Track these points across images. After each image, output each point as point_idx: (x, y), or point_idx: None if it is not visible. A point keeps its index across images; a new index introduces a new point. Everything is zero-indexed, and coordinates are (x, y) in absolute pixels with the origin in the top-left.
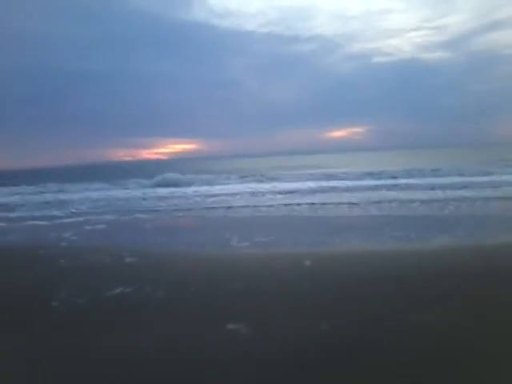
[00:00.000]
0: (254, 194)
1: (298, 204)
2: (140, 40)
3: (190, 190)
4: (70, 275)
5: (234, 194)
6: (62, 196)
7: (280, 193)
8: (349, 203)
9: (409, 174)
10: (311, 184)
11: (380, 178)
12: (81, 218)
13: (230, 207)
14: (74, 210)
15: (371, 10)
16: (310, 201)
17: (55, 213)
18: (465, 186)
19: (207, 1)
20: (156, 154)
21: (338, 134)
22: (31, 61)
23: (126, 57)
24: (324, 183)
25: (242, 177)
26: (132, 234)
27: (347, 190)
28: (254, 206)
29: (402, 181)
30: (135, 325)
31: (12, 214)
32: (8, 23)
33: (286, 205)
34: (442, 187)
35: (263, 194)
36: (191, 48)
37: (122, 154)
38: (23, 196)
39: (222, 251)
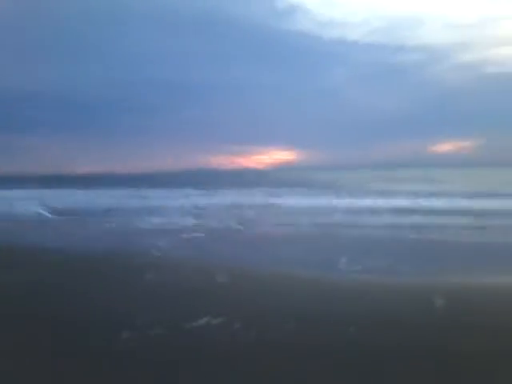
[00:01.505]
0: (357, 209)
1: (412, 224)
2: (242, 50)
3: (290, 202)
4: (151, 294)
5: (336, 209)
6: (162, 201)
7: (387, 210)
8: (472, 226)
9: None
10: (421, 201)
11: (501, 198)
12: (178, 226)
13: (333, 224)
14: (169, 217)
15: (482, 17)
16: (425, 220)
17: (153, 219)
18: None
19: (312, 11)
20: (254, 162)
21: (444, 147)
22: (140, 73)
23: (227, 67)
24: (435, 201)
25: (342, 189)
26: (228, 248)
27: (462, 209)
28: (361, 224)
29: None
30: (221, 369)
31: (112, 218)
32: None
33: (395, 224)
34: None
35: (369, 210)
36: (293, 57)
37: (222, 161)
38: (127, 199)
39: (329, 275)
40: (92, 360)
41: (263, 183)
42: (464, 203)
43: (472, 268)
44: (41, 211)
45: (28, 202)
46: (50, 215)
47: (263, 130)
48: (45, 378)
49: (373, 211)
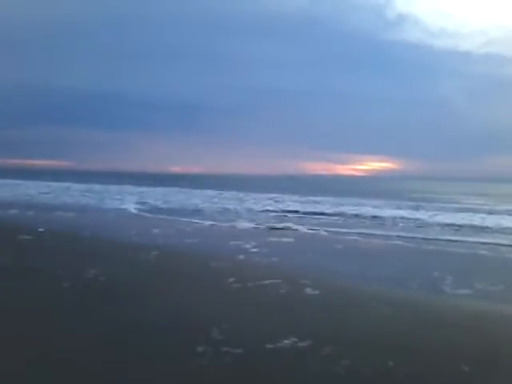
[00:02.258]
0: (458, 224)
1: None
2: (346, 58)
3: (385, 213)
4: (231, 303)
5: (434, 223)
6: (256, 204)
7: (491, 227)
8: None
9: None
10: None
11: None
12: (268, 229)
13: (431, 238)
14: (260, 220)
15: None
16: None
17: (243, 221)
18: None
19: (422, 20)
20: (351, 169)
21: None
22: (242, 78)
23: (330, 76)
24: None
25: (440, 202)
26: (319, 257)
27: None
28: (462, 241)
29: None
30: None
31: (202, 217)
32: (219, 46)
33: (502, 244)
34: None
35: (471, 226)
36: (398, 67)
37: (318, 167)
38: (222, 200)
39: (433, 298)
40: (157, 374)
41: (357, 191)
42: None
43: None
44: (131, 207)
45: (125, 199)
46: (139, 211)
47: (361, 137)
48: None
49: (474, 227)
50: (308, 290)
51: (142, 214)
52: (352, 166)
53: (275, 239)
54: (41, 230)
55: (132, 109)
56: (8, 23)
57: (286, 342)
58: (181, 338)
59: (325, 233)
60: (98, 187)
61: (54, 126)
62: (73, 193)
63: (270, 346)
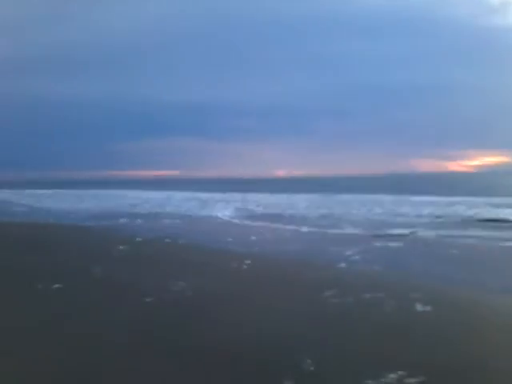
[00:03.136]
0: None
1: None
2: (450, 50)
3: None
4: (325, 319)
5: None
6: (362, 207)
7: None
8: None
9: None
10: None
11: None
12: (375, 234)
13: None
14: (365, 224)
15: None
16: None
17: (346, 225)
18: None
19: None
20: (463, 166)
21: None
22: (344, 79)
23: (435, 69)
24: None
25: None
26: (434, 264)
27: None
28: None
29: None
30: None
31: (301, 223)
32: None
33: None
34: None
35: None
36: (506, 55)
37: (427, 165)
38: (322, 203)
39: None
40: None
41: (472, 189)
42: None
43: None
44: (230, 214)
45: (226, 205)
46: (238, 218)
47: (472, 131)
48: None
49: None
50: (418, 306)
51: (240, 221)
52: (464, 162)
53: (379, 244)
54: (138, 239)
55: (237, 117)
56: (121, 41)
57: (391, 376)
58: (262, 368)
59: (439, 237)
60: (202, 195)
61: (163, 137)
62: (176, 201)
63: (370, 382)
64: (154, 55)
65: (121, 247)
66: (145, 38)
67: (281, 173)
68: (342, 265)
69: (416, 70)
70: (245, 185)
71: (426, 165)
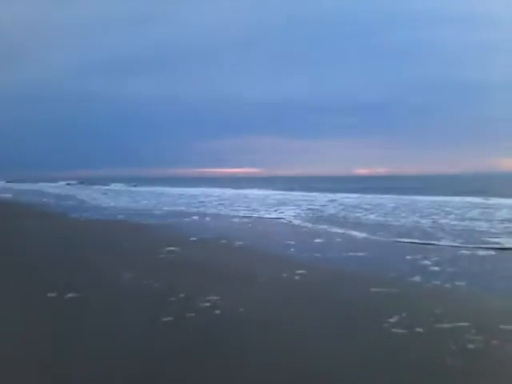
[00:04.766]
0: None
1: None
2: None
3: None
4: (396, 349)
5: None
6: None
7: None
8: None
9: None
10: None
11: None
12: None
13: None
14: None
15: None
16: None
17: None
18: None
19: None
20: None
21: None
22: (431, 71)
23: None
24: None
25: None
26: None
27: None
28: None
29: None
30: None
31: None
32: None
33: None
34: None
35: None
36: None
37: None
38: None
39: None
40: None
41: None
42: None
43: None
44: (289, 215)
45: (293, 205)
46: (300, 221)
47: None
48: None
49: None
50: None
51: (307, 224)
52: None
53: (465, 253)
54: (193, 239)
55: (316, 114)
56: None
57: None
58: None
59: None
60: (277, 194)
61: (242, 135)
62: (247, 200)
63: None
64: (232, 53)
65: (169, 248)
66: (222, 36)
67: (363, 171)
68: (417, 278)
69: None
70: (324, 183)
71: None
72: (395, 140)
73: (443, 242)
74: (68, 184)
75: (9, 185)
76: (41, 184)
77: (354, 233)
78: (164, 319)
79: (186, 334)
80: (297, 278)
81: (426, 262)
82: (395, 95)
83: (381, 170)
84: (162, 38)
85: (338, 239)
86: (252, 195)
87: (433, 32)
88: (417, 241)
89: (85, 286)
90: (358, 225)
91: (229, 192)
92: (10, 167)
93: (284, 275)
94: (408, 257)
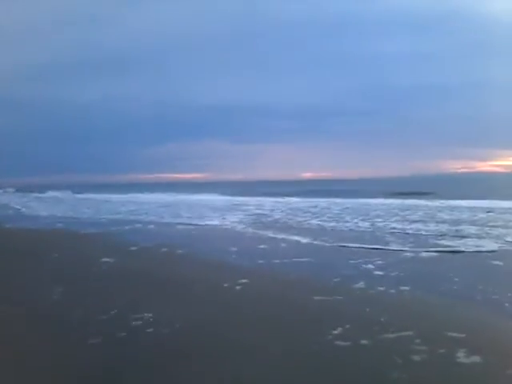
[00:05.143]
0: None
1: None
2: (481, 48)
3: None
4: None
5: None
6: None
7: None
8: None
9: None
10: None
11: None
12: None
13: None
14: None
15: None
16: None
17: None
18: None
19: None
20: (493, 166)
21: None
22: (372, 80)
23: (465, 67)
24: None
25: None
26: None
27: None
28: None
29: None
30: None
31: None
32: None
33: None
34: None
35: None
36: None
37: (457, 166)
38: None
39: None
40: None
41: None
42: None
43: None
44: (233, 221)
45: (236, 210)
46: (243, 226)
47: (502, 131)
48: None
49: None
50: (461, 355)
51: (250, 229)
52: (493, 162)
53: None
54: (133, 248)
55: (265, 119)
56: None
57: None
58: None
59: None
60: (222, 198)
61: (193, 140)
62: (190, 205)
63: None
64: (181, 58)
65: (105, 259)
66: (171, 40)
67: (307, 175)
68: (361, 284)
69: (448, 69)
70: (270, 187)
71: (456, 165)
72: (340, 144)
73: (388, 246)
74: (4, 191)
75: None
76: None
77: (299, 238)
78: (91, 341)
79: (116, 357)
80: (238, 287)
81: (371, 267)
82: (341, 99)
83: (326, 174)
84: (109, 40)
85: (283, 245)
86: (198, 201)
87: (381, 38)
88: (362, 245)
89: None
90: (302, 229)
91: (174, 198)
92: None
93: (225, 285)
94: (352, 261)
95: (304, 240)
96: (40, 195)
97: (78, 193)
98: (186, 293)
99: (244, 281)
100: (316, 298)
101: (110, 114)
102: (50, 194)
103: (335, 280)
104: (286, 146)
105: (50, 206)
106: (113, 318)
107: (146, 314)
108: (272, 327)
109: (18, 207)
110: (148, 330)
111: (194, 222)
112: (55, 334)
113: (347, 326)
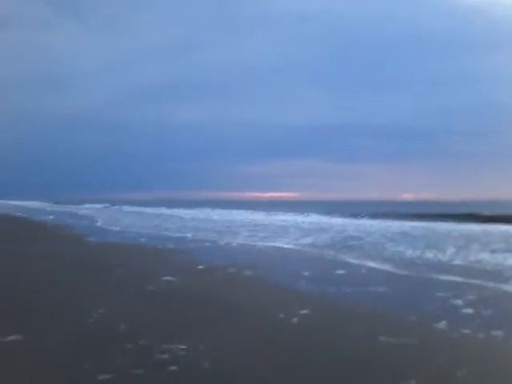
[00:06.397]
0: None
1: None
2: None
3: None
4: None
5: None
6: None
7: None
8: None
9: None
10: None
11: None
12: None
13: None
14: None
15: None
16: None
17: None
18: None
19: None
20: None
21: None
22: (477, 97)
23: None
24: None
25: None
26: None
27: None
28: None
29: None
30: None
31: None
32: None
33: None
34: None
35: None
36: None
37: None
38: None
39: None
40: None
41: None
42: None
43: None
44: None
45: (322, 230)
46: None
47: None
48: None
49: None
50: None
51: (329, 252)
52: None
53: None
54: (200, 267)
55: (358, 138)
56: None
57: None
58: None
59: None
60: (311, 219)
61: (288, 160)
62: (277, 224)
63: None
64: (275, 79)
65: (166, 278)
66: (261, 62)
67: (408, 196)
68: (442, 324)
69: None
70: (365, 208)
71: None
72: (442, 165)
73: (485, 280)
74: (105, 206)
75: (55, 206)
76: (87, 205)
77: (381, 265)
78: (100, 377)
79: None
80: (294, 320)
81: (459, 303)
82: (442, 121)
83: (428, 195)
84: (203, 64)
85: (362, 271)
86: (285, 220)
87: (484, 54)
88: (454, 278)
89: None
90: (388, 256)
91: (261, 217)
92: (61, 189)
93: (281, 316)
94: (438, 295)
95: (386, 267)
96: (134, 209)
97: (170, 207)
98: (236, 322)
99: (304, 312)
100: (381, 338)
101: (211, 135)
102: (146, 209)
103: (411, 317)
104: (385, 166)
105: (137, 221)
106: (137, 349)
107: (177, 346)
108: (319, 375)
109: (102, 220)
110: (170, 368)
111: (274, 242)
112: (66, 366)
113: (412, 382)
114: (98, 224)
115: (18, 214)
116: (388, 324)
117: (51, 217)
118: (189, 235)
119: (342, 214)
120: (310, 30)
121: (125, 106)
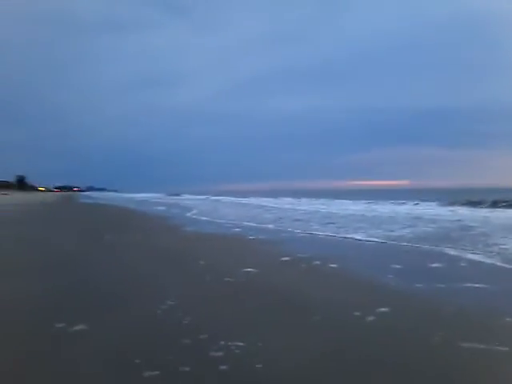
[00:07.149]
0: None
1: None
2: None
3: None
4: None
5: None
6: None
7: None
8: None
9: None
10: None
11: None
12: None
13: None
14: None
15: None
16: None
17: None
18: None
19: None
20: None
21: None
22: None
23: None
24: None
25: None
26: None
27: None
28: None
29: None
30: None
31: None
32: None
33: None
34: None
35: None
36: None
37: None
38: None
39: None
40: None
41: None
42: None
43: None
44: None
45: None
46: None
47: None
48: None
49: None
50: None
51: (430, 245)
52: None
53: None
54: (284, 258)
55: (481, 123)
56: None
57: None
58: None
59: None
60: (417, 208)
61: (393, 146)
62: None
63: None
64: (381, 61)
65: (246, 269)
66: (377, 48)
67: None
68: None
69: None
70: (480, 195)
71: None
72: None
73: None
74: (207, 197)
75: (168, 198)
76: (198, 197)
77: (485, 258)
78: (146, 373)
79: None
80: (369, 319)
81: None
82: None
83: None
84: (300, 55)
85: (461, 264)
86: (389, 211)
87: None
88: None
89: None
90: (496, 248)
91: (366, 207)
92: (178, 181)
93: (356, 314)
94: None
95: (491, 261)
96: (239, 200)
97: (276, 198)
98: (304, 319)
99: (382, 310)
100: (465, 345)
101: (314, 123)
102: (251, 200)
103: (507, 319)
104: (505, 152)
105: (237, 212)
106: (194, 345)
107: (235, 343)
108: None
109: (199, 211)
110: (221, 367)
111: (368, 233)
112: (117, 362)
113: None
114: (196, 215)
115: (131, 206)
116: (475, 327)
117: (161, 207)
118: (283, 226)
119: (457, 203)
120: (427, 13)
121: (233, 96)
